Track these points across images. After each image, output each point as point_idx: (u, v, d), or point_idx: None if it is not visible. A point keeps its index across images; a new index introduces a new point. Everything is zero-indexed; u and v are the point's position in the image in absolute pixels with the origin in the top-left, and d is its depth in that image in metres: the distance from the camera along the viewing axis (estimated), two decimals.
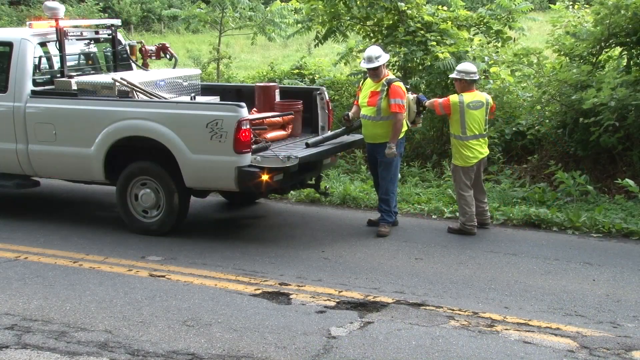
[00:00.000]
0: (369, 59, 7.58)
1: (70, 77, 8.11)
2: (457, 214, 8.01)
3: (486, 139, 7.92)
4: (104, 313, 5.65)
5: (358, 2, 10.98)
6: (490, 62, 10.42)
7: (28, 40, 8.06)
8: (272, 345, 5.08)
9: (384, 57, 7.68)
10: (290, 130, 8.15)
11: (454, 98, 7.71)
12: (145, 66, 9.19)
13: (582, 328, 5.39)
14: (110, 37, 9.01)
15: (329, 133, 8.15)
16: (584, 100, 8.88)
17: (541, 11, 22.70)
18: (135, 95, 7.81)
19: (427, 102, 7.99)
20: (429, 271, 6.67)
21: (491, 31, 11.27)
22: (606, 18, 9.43)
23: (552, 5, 12.07)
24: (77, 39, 8.62)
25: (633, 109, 8.89)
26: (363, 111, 7.78)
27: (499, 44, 11.25)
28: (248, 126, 7.11)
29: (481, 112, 7.71)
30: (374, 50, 7.71)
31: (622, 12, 9.27)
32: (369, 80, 7.80)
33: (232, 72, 15.48)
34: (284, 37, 14.98)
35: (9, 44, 8.08)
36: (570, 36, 10.06)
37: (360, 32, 11.75)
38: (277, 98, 8.38)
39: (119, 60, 9.04)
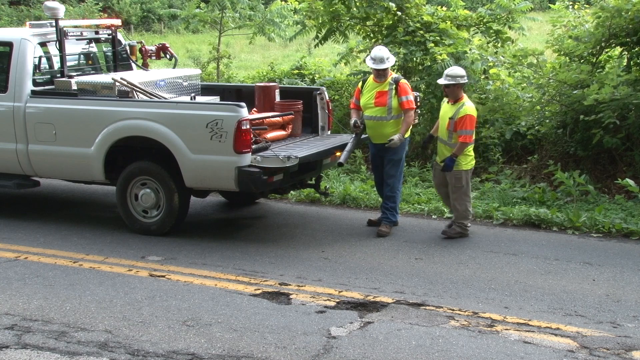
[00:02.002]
0: (380, 60, 7.53)
1: (70, 77, 8.11)
2: (454, 219, 7.75)
3: None
4: (104, 313, 5.65)
5: (358, 3, 10.97)
6: (489, 64, 10.43)
7: (28, 40, 8.06)
8: (272, 345, 5.09)
9: (393, 58, 7.71)
10: (290, 130, 8.15)
11: (472, 110, 7.49)
12: (145, 66, 9.19)
13: (582, 328, 5.39)
14: (110, 37, 9.01)
15: (349, 145, 7.75)
16: (585, 97, 8.89)
17: (541, 11, 22.71)
18: (135, 95, 7.81)
19: (457, 151, 7.43)
20: (429, 271, 6.67)
21: (491, 31, 11.28)
22: (607, 20, 9.43)
23: (552, 5, 12.07)
24: (77, 39, 8.63)
25: (633, 109, 8.90)
26: (370, 112, 7.71)
27: (499, 45, 11.26)
28: (248, 126, 7.11)
29: None
30: (384, 50, 7.67)
31: (623, 14, 9.27)
32: (370, 81, 7.76)
33: (232, 72, 15.47)
34: (284, 37, 14.98)
35: (9, 44, 8.08)
36: (573, 40, 10.06)
37: (360, 32, 11.75)
38: (277, 98, 8.37)
39: (119, 60, 9.04)
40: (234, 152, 7.07)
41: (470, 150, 7.62)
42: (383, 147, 7.75)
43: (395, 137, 7.56)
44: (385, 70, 7.59)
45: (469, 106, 7.48)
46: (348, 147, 7.75)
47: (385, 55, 7.58)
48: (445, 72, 7.60)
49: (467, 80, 7.66)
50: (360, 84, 7.98)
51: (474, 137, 7.66)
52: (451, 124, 7.46)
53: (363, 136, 8.00)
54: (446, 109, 7.63)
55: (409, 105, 7.56)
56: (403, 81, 7.68)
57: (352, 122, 7.90)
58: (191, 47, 24.36)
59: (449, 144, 7.54)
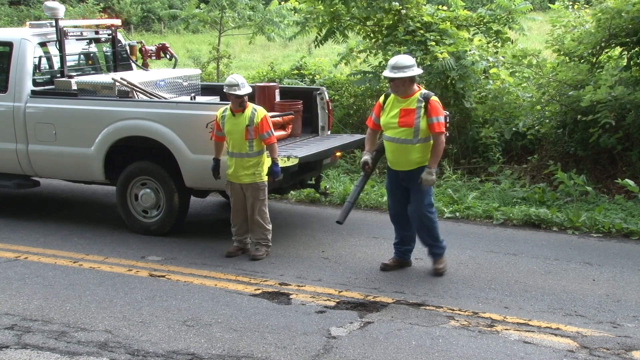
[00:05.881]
0: (396, 67, 6.25)
1: (70, 77, 8.12)
2: (258, 238, 7.06)
3: None
4: (104, 313, 5.65)
5: (358, 3, 10.98)
6: (489, 64, 10.42)
7: (28, 40, 8.07)
8: (272, 345, 5.09)
9: (415, 69, 6.34)
10: (290, 130, 8.15)
11: (265, 110, 6.97)
12: (145, 66, 9.20)
13: (582, 328, 5.39)
14: (110, 37, 9.02)
15: (354, 195, 6.82)
16: (581, 97, 8.90)
17: (541, 11, 22.70)
18: (135, 95, 7.81)
19: (275, 154, 6.90)
20: (429, 271, 6.66)
21: (491, 31, 11.28)
22: (607, 21, 9.44)
23: (551, 5, 12.07)
24: (77, 39, 8.63)
25: (632, 109, 8.90)
26: (391, 133, 6.41)
27: (499, 45, 11.26)
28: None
29: None
30: (404, 57, 6.46)
31: (623, 14, 9.27)
32: (393, 96, 6.45)
33: (232, 72, 15.47)
34: (283, 37, 14.98)
35: (9, 44, 8.09)
36: (575, 41, 10.06)
37: (361, 32, 11.75)
38: (277, 98, 8.37)
39: (119, 60, 9.04)
40: None
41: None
42: (406, 175, 6.49)
43: (426, 176, 6.30)
44: (402, 81, 6.28)
45: (260, 108, 6.94)
46: (351, 198, 6.79)
47: (404, 62, 6.29)
48: (226, 81, 6.89)
49: (249, 91, 6.85)
50: (382, 98, 6.63)
51: None
52: (250, 132, 6.75)
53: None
54: (234, 120, 6.81)
55: (439, 129, 6.27)
56: (434, 98, 6.35)
57: (363, 159, 6.68)
58: (191, 47, 24.36)
59: (251, 154, 6.82)
